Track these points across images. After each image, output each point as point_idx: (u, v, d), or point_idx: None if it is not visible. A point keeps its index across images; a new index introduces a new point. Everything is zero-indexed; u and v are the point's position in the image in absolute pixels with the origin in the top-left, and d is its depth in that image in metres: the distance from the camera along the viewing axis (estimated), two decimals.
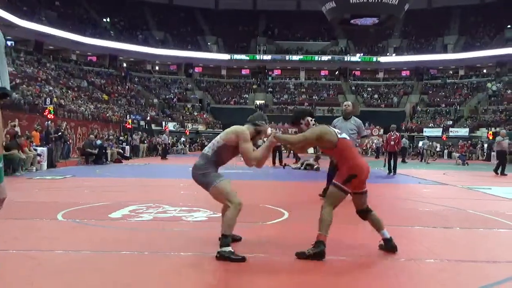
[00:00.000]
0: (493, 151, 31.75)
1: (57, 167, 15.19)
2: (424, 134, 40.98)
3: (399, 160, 18.86)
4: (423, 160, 27.74)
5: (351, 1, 45.34)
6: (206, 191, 4.04)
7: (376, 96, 53.38)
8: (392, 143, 15.63)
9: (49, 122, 18.31)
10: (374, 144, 35.78)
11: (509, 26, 51.05)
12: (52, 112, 19.23)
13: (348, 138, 4.33)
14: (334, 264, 3.90)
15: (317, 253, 3.81)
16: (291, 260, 3.84)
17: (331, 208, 3.99)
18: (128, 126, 31.12)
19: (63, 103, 29.38)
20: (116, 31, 49.98)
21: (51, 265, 3.64)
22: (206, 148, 4.21)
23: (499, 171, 16.38)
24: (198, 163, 4.08)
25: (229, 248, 3.76)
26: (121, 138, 25.48)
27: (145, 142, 28.35)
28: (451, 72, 54.42)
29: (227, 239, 3.82)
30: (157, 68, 55.96)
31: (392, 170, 15.19)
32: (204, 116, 49.42)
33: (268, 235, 4.92)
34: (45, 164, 14.52)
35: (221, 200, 4.03)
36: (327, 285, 3.37)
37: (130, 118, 34.23)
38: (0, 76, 1.72)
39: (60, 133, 17.69)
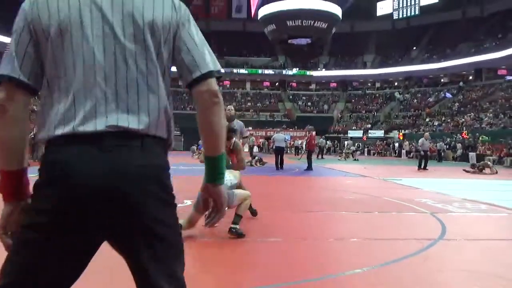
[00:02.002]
0: (403, 149, 33.28)
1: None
2: (349, 135, 42.01)
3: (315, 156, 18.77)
4: (345, 156, 27.69)
5: (288, 24, 46.04)
6: None
7: (309, 103, 54.13)
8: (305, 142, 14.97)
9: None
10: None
11: (414, 47, 53.41)
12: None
13: None
14: (273, 245, 3.92)
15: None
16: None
17: None
18: None
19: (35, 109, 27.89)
20: None
21: None
22: None
23: (422, 167, 16.35)
24: None
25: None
26: None
27: None
28: (369, 84, 55.78)
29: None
30: None
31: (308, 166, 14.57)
32: None
33: None
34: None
35: None
36: (273, 261, 3.36)
37: None
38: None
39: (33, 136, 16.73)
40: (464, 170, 15.68)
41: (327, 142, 39.53)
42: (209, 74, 1.23)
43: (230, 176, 4.18)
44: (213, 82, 1.23)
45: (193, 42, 1.23)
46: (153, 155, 1.14)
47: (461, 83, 46.67)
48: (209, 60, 1.25)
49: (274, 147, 15.40)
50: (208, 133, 1.22)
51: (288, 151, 33.37)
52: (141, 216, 1.09)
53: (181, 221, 3.85)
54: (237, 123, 6.86)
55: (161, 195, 1.13)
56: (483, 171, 15.15)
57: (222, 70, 1.36)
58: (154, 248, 1.12)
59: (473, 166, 16.04)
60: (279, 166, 14.57)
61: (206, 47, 1.27)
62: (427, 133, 18.54)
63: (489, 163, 16.60)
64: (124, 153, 1.09)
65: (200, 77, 1.21)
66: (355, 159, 25.82)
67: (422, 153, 16.88)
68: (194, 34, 1.25)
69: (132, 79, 1.13)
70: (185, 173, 10.90)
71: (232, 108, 7.01)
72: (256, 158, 17.47)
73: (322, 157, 26.67)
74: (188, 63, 1.21)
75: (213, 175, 1.25)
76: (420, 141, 17.40)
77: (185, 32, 1.23)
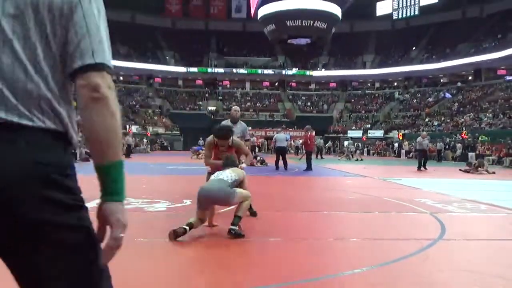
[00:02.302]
0: (403, 149, 33.26)
1: None
2: (348, 135, 41.98)
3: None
4: (347, 157, 27.72)
5: (288, 24, 45.99)
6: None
7: (309, 103, 54.14)
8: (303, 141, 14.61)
9: None
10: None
11: (414, 48, 53.41)
12: None
13: None
14: (273, 245, 3.92)
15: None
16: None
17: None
18: None
19: None
20: None
21: None
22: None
23: (422, 168, 16.06)
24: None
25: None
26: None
27: None
28: (369, 84, 55.78)
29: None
30: (121, 78, 54.19)
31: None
32: (164, 120, 48.43)
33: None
34: None
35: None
36: (273, 261, 3.36)
37: None
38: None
39: None
40: (460, 170, 15.68)
41: (328, 142, 39.71)
42: (92, 67, 1.02)
43: (232, 173, 4.18)
44: (95, 76, 1.01)
45: (84, 28, 1.02)
46: (40, 150, 0.96)
47: (459, 83, 46.74)
48: (97, 50, 1.03)
49: (275, 147, 15.24)
50: (90, 137, 1.02)
51: (289, 151, 33.34)
52: (23, 221, 0.94)
53: (192, 219, 3.91)
54: (241, 125, 6.72)
55: (51, 196, 0.96)
56: (479, 169, 15.13)
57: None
58: (47, 259, 0.96)
59: (469, 164, 16.04)
60: (284, 167, 14.32)
61: (101, 35, 1.05)
62: (424, 132, 18.44)
63: (485, 162, 16.52)
64: (0, 149, 0.93)
65: (79, 68, 1.01)
66: (357, 159, 25.45)
67: (416, 152, 16.63)
68: (90, 19, 1.04)
69: (10, 64, 0.97)
70: (184, 173, 10.90)
71: (238, 109, 6.95)
72: (258, 158, 17.49)
73: (321, 157, 26.66)
74: (72, 51, 1.02)
75: (105, 188, 1.05)
76: (418, 139, 17.29)
77: (78, 14, 1.02)
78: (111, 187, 1.05)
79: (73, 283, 1.00)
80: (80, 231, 1.02)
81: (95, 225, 1.07)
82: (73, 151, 1.10)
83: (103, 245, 1.06)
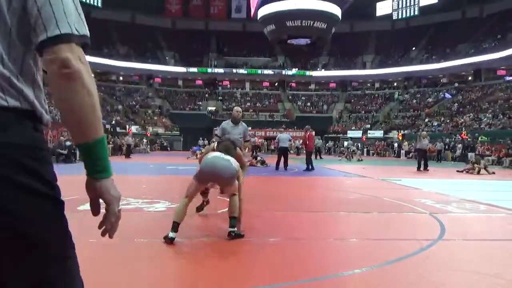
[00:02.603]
0: (402, 150, 33.26)
1: None
2: (348, 135, 41.98)
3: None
4: (347, 157, 27.71)
5: (288, 24, 46.04)
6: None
7: (308, 104, 54.15)
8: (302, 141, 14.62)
9: None
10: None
11: (414, 48, 53.42)
12: None
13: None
14: (272, 245, 3.92)
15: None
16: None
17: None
18: None
19: None
20: (88, 48, 47.32)
21: None
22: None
23: (421, 168, 15.74)
24: None
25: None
26: None
27: (111, 143, 27.40)
28: (369, 84, 55.76)
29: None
30: (121, 78, 54.18)
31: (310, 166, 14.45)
32: (163, 120, 48.44)
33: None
34: None
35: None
36: (273, 261, 3.36)
37: None
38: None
39: None
40: (458, 171, 15.65)
41: (328, 142, 39.74)
42: (60, 38, 0.90)
43: (236, 162, 4.14)
44: (63, 49, 0.90)
45: None
46: (4, 131, 0.88)
47: (456, 84, 46.76)
48: (61, 19, 0.91)
49: (278, 147, 15.11)
50: (66, 117, 0.94)
51: (289, 152, 33.25)
52: None
53: (181, 203, 3.91)
54: (242, 126, 6.73)
55: (14, 181, 0.86)
56: (475, 165, 15.20)
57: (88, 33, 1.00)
58: (8, 254, 0.87)
59: (468, 162, 16.15)
60: (284, 167, 14.28)
61: (72, 4, 0.94)
62: (424, 132, 18.28)
63: (481, 160, 16.43)
64: None
65: (44, 42, 0.89)
66: (358, 160, 25.36)
67: (415, 152, 16.42)
68: None
69: None
70: (184, 173, 10.89)
71: (240, 110, 6.93)
72: (259, 158, 17.46)
73: (320, 157, 26.62)
74: (34, 24, 0.90)
75: (92, 166, 1.00)
76: (419, 139, 16.87)
77: None
78: (98, 165, 1.00)
79: (34, 284, 0.90)
80: (45, 224, 0.91)
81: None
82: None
83: (101, 218, 1.04)
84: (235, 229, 3.96)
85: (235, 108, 7.04)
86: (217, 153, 4.13)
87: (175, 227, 3.75)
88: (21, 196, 0.87)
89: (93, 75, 0.97)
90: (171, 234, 3.70)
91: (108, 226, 1.03)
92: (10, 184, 0.86)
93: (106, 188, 1.01)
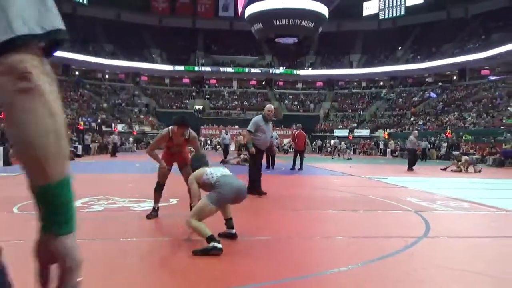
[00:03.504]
0: (388, 148, 33.58)
1: (12, 165, 14.14)
2: (335, 134, 42.20)
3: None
4: (335, 156, 27.78)
5: (275, 23, 46.09)
6: None
7: (296, 102, 54.32)
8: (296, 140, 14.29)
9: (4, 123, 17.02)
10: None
11: (400, 47, 53.94)
12: None
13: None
14: (261, 243, 3.92)
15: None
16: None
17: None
18: (80, 127, 29.58)
19: None
20: (69, 43, 46.79)
21: (7, 254, 3.37)
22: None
23: (413, 167, 15.52)
24: None
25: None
26: (73, 138, 24.16)
27: (96, 141, 27.10)
28: (355, 83, 56.16)
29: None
30: (107, 76, 53.63)
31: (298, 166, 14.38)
32: (150, 118, 48.09)
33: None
34: (1, 162, 13.50)
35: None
36: (256, 260, 3.37)
37: (82, 120, 32.61)
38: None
39: None
40: (442, 169, 16.10)
41: (315, 141, 39.92)
42: (11, 44, 0.66)
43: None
44: (18, 58, 0.66)
45: None
46: None
47: (441, 84, 47.40)
48: (16, 17, 0.66)
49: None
50: (19, 145, 0.70)
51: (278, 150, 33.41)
52: None
53: (207, 230, 3.52)
54: (271, 123, 7.23)
55: None
56: (458, 163, 15.69)
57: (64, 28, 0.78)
58: None
59: (453, 160, 16.67)
60: (271, 166, 14.27)
61: None
62: (415, 131, 18.19)
63: (463, 158, 16.59)
64: None
65: None
66: (349, 158, 25.44)
67: (404, 151, 16.53)
68: None
69: None
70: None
71: (273, 109, 7.30)
72: (242, 157, 17.42)
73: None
74: None
75: (49, 218, 0.72)
76: (410, 138, 16.33)
77: None
78: (60, 215, 0.72)
79: None
80: None
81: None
82: None
83: None
84: (234, 230, 3.93)
85: (267, 106, 7.41)
86: (226, 172, 3.85)
87: (215, 238, 3.47)
88: None
89: (58, 92, 0.72)
90: (219, 245, 3.42)
91: None
92: None
93: (67, 248, 0.72)
